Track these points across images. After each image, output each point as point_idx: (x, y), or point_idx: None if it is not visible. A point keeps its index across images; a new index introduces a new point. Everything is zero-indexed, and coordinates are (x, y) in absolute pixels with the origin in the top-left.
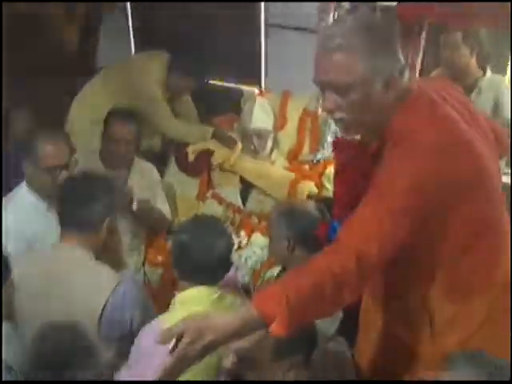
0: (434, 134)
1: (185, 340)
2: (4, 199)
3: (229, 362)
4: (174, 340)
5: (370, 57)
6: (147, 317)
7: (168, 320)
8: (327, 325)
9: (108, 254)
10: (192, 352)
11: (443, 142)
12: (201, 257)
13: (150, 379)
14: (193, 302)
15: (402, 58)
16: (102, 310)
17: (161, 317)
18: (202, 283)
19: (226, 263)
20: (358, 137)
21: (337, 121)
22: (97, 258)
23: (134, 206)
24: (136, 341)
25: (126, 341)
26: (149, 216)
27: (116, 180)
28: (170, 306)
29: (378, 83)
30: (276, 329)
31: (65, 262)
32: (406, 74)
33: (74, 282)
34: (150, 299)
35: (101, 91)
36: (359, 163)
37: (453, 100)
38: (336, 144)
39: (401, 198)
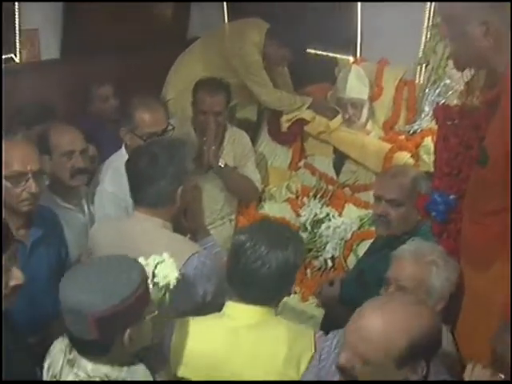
0: None
1: None
2: (104, 164)
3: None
4: None
5: None
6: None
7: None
8: None
9: (187, 223)
10: None
11: None
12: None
13: None
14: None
15: None
16: None
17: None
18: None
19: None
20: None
21: None
22: (176, 226)
23: (216, 171)
24: None
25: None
26: (237, 184)
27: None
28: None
29: None
30: None
31: (137, 232)
32: None
33: (145, 252)
34: None
35: (197, 59)
36: (462, 132)
37: None
38: (438, 110)
39: None
